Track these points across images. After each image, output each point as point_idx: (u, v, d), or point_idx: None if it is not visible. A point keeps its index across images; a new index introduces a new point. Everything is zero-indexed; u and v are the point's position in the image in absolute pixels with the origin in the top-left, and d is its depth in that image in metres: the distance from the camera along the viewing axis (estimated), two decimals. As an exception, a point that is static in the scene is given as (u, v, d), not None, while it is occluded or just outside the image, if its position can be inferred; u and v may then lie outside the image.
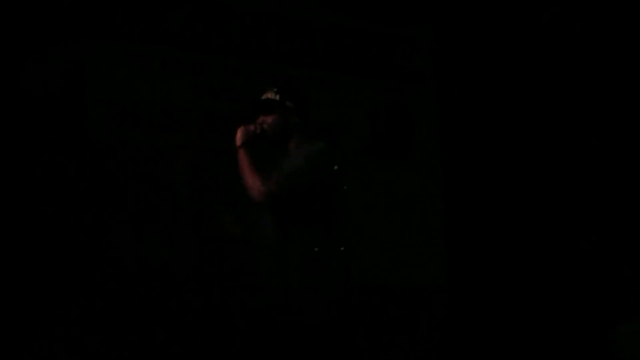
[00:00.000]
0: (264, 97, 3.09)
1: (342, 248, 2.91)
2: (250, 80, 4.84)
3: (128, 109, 4.39)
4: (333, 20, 5.22)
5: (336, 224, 2.99)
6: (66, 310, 4.08)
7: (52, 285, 4.08)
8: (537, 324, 5.33)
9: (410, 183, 5.36)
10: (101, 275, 4.20)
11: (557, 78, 5.72)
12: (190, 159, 4.53)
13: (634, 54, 5.49)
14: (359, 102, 5.26)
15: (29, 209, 4.09)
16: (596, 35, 5.44)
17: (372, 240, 5.11)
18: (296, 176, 2.90)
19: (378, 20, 5.37)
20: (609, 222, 5.60)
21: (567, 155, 5.66)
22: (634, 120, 5.60)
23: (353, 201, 5.09)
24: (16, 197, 4.07)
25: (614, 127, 5.65)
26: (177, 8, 4.64)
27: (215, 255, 4.47)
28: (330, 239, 2.95)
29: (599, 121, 5.68)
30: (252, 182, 2.90)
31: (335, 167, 2.99)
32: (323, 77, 5.14)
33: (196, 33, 4.70)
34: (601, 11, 5.37)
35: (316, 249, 2.86)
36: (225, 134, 3.35)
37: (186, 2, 4.69)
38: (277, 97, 3.05)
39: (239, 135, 3.01)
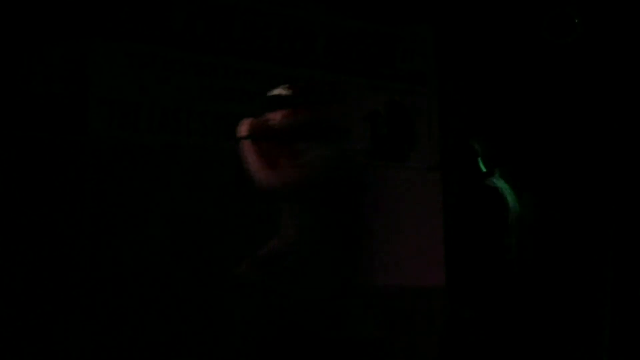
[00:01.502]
0: (275, 92, 2.98)
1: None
2: (251, 80, 4.84)
3: (129, 108, 4.38)
4: (334, 21, 5.21)
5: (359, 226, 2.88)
6: (67, 310, 4.07)
7: (52, 285, 4.07)
8: (537, 325, 5.34)
9: (410, 183, 5.36)
10: (101, 275, 4.19)
11: (558, 78, 5.72)
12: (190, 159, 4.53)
13: (635, 55, 5.49)
14: (359, 103, 5.25)
15: (29, 208, 4.08)
16: (598, 37, 5.45)
17: (373, 240, 5.11)
18: (310, 174, 2.81)
19: (379, 21, 5.37)
20: (611, 224, 5.60)
21: (568, 155, 5.67)
22: (635, 120, 5.61)
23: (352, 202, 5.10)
24: (16, 196, 4.06)
25: (616, 129, 5.65)
26: (179, 8, 4.63)
27: (216, 255, 4.46)
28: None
29: (599, 122, 5.69)
30: (257, 174, 2.79)
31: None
32: (323, 78, 5.13)
33: (198, 33, 4.69)
34: (603, 13, 5.37)
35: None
36: (225, 134, 3.35)
37: (188, 2, 4.68)
38: (289, 93, 2.94)
39: (243, 127, 2.89)
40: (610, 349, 5.53)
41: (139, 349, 4.21)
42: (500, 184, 4.56)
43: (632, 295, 5.50)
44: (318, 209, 2.79)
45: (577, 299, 5.59)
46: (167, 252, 4.36)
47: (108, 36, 4.40)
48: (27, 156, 4.11)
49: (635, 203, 5.60)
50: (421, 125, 5.47)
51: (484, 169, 4.35)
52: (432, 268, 5.31)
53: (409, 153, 5.40)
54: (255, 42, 4.92)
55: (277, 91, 2.97)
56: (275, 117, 2.92)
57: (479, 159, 4.37)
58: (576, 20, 5.02)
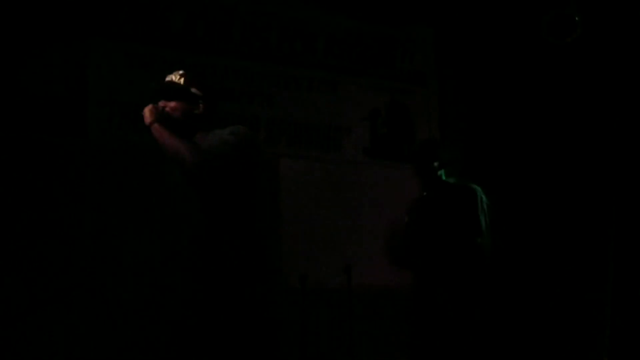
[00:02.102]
0: (167, 79, 2.81)
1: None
2: (251, 81, 4.85)
3: (129, 109, 4.39)
4: (334, 21, 5.22)
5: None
6: (66, 309, 4.08)
7: (51, 285, 4.08)
8: (534, 321, 5.34)
9: (410, 182, 5.36)
10: (101, 275, 4.20)
11: (557, 78, 5.72)
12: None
13: (634, 55, 5.48)
14: (360, 103, 5.26)
15: (28, 209, 4.09)
16: (597, 38, 5.44)
17: (373, 239, 5.12)
18: (219, 153, 2.60)
19: (379, 21, 5.38)
20: (608, 223, 5.60)
21: (566, 156, 5.66)
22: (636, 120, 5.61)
23: (353, 200, 5.12)
24: (16, 197, 4.07)
25: (616, 129, 5.65)
26: (178, 9, 4.64)
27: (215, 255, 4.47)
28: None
29: (599, 121, 5.68)
30: (179, 150, 2.61)
31: None
32: (324, 78, 5.14)
33: (197, 34, 4.70)
34: (602, 14, 5.36)
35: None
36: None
37: (188, 3, 4.69)
38: (182, 82, 2.76)
39: (147, 115, 2.72)
40: (610, 348, 5.53)
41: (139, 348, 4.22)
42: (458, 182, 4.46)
43: (631, 294, 5.49)
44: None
45: (574, 296, 5.59)
46: (167, 252, 4.37)
47: (108, 37, 4.41)
48: (27, 157, 4.12)
49: (634, 201, 5.59)
50: (421, 124, 5.47)
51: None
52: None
53: (408, 152, 5.41)
54: (255, 43, 4.93)
55: (171, 77, 2.81)
56: (169, 105, 2.75)
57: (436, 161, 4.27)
58: (576, 19, 5.01)
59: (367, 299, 4.96)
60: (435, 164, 4.17)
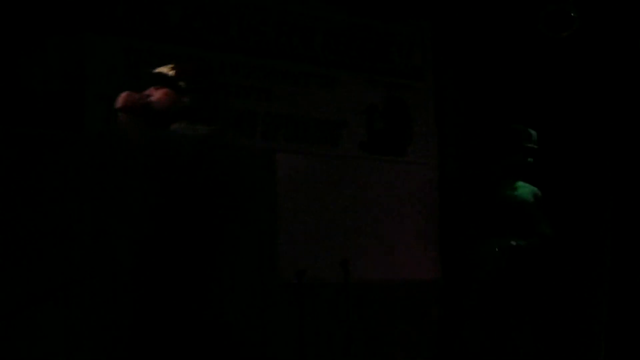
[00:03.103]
0: (158, 69, 2.82)
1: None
2: (249, 76, 4.85)
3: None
4: (331, 16, 5.21)
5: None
6: (64, 308, 4.08)
7: (47, 280, 4.07)
8: (532, 319, 5.35)
9: (407, 177, 5.38)
10: (97, 271, 4.20)
11: (553, 74, 5.72)
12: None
13: (632, 53, 5.49)
14: (357, 98, 5.26)
15: (26, 205, 4.08)
16: (594, 33, 5.44)
17: (370, 234, 5.13)
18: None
19: (376, 16, 5.37)
20: (604, 221, 5.62)
21: (564, 151, 5.68)
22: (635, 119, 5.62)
23: (350, 195, 5.12)
24: (13, 193, 4.06)
25: (615, 126, 5.66)
26: (176, 3, 4.63)
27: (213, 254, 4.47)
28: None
29: (596, 118, 5.69)
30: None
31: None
32: (321, 73, 5.14)
33: (195, 28, 4.69)
34: (599, 10, 5.37)
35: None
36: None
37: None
38: (171, 74, 2.77)
39: (120, 100, 2.76)
40: (606, 345, 5.56)
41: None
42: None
43: (628, 293, 5.52)
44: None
45: (576, 297, 5.62)
46: (165, 250, 4.36)
47: (105, 32, 4.39)
48: (24, 153, 4.11)
49: (632, 199, 5.61)
50: (418, 119, 5.48)
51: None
52: (427, 263, 5.33)
53: (406, 148, 5.41)
54: (253, 38, 4.92)
55: (161, 69, 2.82)
56: (156, 95, 2.77)
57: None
58: (572, 15, 5.01)
59: (365, 293, 4.98)
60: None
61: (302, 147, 5.01)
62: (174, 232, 2.69)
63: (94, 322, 4.13)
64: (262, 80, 4.91)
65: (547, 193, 4.77)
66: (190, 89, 2.78)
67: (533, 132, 4.65)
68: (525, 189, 4.66)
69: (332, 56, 5.21)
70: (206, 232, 2.68)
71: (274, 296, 4.57)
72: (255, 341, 2.70)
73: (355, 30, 5.30)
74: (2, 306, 3.92)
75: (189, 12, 4.68)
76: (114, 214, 4.14)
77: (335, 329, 4.78)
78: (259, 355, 2.73)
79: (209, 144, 2.71)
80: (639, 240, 5.53)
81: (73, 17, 4.30)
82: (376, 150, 5.31)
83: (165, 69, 2.82)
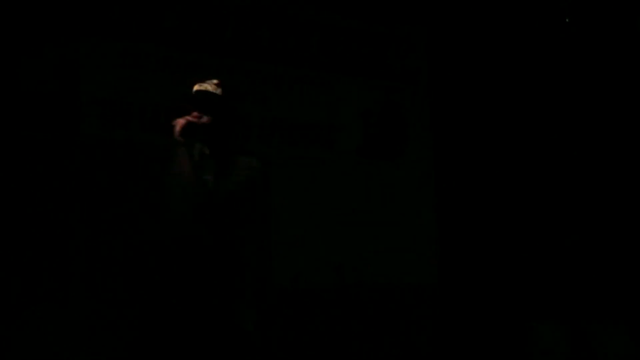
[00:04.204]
0: (201, 87, 2.70)
1: None
2: (245, 79, 4.85)
3: (121, 107, 4.38)
4: (327, 20, 5.22)
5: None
6: (62, 307, 4.08)
7: (44, 282, 4.07)
8: (528, 321, 5.36)
9: (403, 181, 5.38)
10: (93, 271, 4.20)
11: (548, 77, 5.73)
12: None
13: (624, 55, 5.50)
14: (353, 101, 5.27)
15: (21, 207, 4.08)
16: (588, 37, 5.45)
17: (365, 238, 5.13)
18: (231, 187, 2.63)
19: (372, 20, 5.38)
20: (598, 221, 5.62)
21: (558, 154, 5.68)
22: (628, 119, 5.62)
23: (346, 199, 5.12)
24: (8, 195, 4.06)
25: (606, 127, 5.66)
26: (171, 6, 4.62)
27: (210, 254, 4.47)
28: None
29: (589, 119, 5.70)
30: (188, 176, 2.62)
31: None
32: (317, 76, 5.14)
33: (191, 32, 4.68)
34: (593, 13, 5.38)
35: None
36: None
37: (180, 1, 4.68)
38: (219, 92, 2.68)
39: (177, 129, 2.63)
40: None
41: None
42: None
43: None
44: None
45: (567, 295, 5.61)
46: (159, 250, 4.36)
47: (100, 35, 4.39)
48: (19, 155, 4.10)
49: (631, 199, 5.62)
50: (413, 123, 5.48)
51: None
52: (424, 266, 5.33)
53: (401, 151, 5.42)
54: (249, 41, 4.92)
55: (205, 86, 2.70)
56: (205, 118, 2.65)
57: None
58: (567, 20, 5.02)
59: (359, 297, 4.98)
60: None
61: (297, 151, 5.00)
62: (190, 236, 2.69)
63: (93, 322, 4.14)
64: (257, 83, 4.91)
65: (542, 193, 4.77)
66: (236, 106, 2.77)
67: None
68: None
69: (328, 60, 5.21)
70: (214, 235, 2.68)
71: (269, 300, 4.57)
72: (256, 344, 2.71)
73: (352, 34, 5.30)
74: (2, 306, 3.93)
75: (185, 16, 4.68)
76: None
77: (330, 332, 4.78)
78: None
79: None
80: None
81: (68, 21, 4.30)
82: (371, 154, 5.30)
83: (211, 87, 2.71)
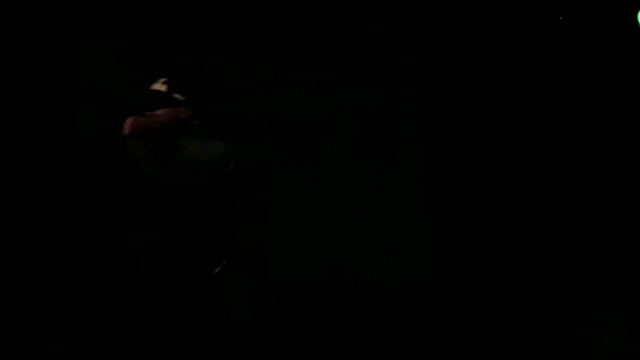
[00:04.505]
0: (152, 87, 2.81)
1: None
2: (240, 79, 4.85)
3: (116, 107, 4.38)
4: (324, 21, 5.23)
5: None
6: (59, 306, 4.08)
7: (42, 281, 4.07)
8: (525, 322, 5.36)
9: (399, 182, 5.38)
10: (89, 271, 4.20)
11: (543, 78, 5.75)
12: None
13: (621, 54, 5.52)
14: (350, 102, 5.27)
15: (17, 207, 4.08)
16: (584, 38, 5.47)
17: (360, 237, 5.13)
18: (191, 172, 2.66)
19: (368, 21, 5.39)
20: (592, 221, 5.63)
21: (553, 154, 5.69)
22: (621, 120, 5.64)
23: (341, 199, 5.13)
24: (4, 195, 4.06)
25: (601, 127, 5.68)
26: (167, 7, 4.63)
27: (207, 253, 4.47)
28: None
29: (585, 119, 5.72)
30: (146, 168, 2.73)
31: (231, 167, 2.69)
32: (313, 77, 5.15)
33: (186, 32, 4.69)
34: (589, 15, 5.40)
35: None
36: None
37: (175, 2, 4.69)
38: (164, 89, 2.77)
39: (127, 126, 2.70)
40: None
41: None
42: None
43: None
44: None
45: (564, 296, 5.62)
46: (156, 251, 4.36)
47: (95, 36, 4.40)
48: (15, 156, 4.11)
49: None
50: (409, 124, 5.49)
51: None
52: (419, 267, 5.33)
53: (397, 151, 5.42)
54: (245, 41, 4.93)
55: (155, 86, 2.81)
56: (161, 113, 2.74)
57: None
58: (561, 19, 5.04)
59: (355, 297, 4.97)
60: None
61: (293, 151, 5.01)
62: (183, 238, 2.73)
63: (93, 322, 4.14)
64: (253, 84, 4.92)
65: (538, 193, 4.78)
66: (186, 101, 2.77)
67: None
68: None
69: (324, 60, 5.21)
70: (209, 235, 2.70)
71: (265, 299, 4.57)
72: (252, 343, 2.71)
73: (348, 35, 5.31)
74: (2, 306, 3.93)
75: (180, 16, 4.69)
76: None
77: (325, 332, 4.78)
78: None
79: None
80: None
81: (63, 22, 4.31)
82: (367, 154, 5.31)
83: (158, 86, 2.81)
